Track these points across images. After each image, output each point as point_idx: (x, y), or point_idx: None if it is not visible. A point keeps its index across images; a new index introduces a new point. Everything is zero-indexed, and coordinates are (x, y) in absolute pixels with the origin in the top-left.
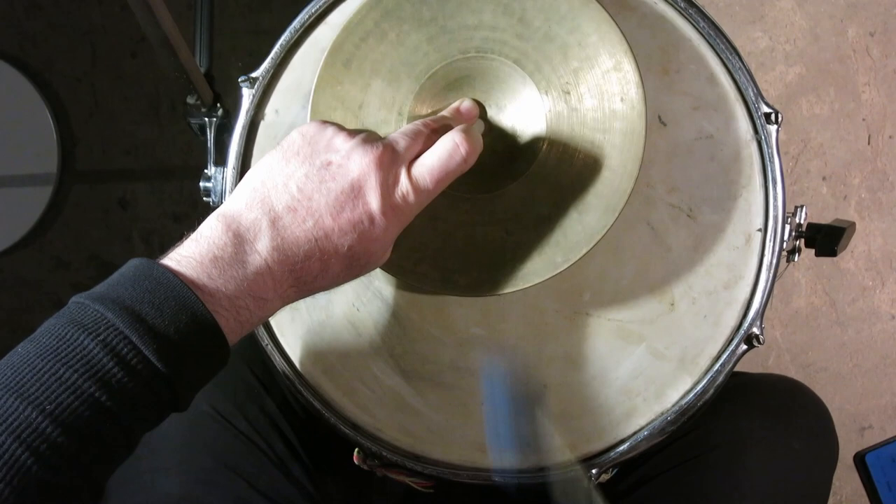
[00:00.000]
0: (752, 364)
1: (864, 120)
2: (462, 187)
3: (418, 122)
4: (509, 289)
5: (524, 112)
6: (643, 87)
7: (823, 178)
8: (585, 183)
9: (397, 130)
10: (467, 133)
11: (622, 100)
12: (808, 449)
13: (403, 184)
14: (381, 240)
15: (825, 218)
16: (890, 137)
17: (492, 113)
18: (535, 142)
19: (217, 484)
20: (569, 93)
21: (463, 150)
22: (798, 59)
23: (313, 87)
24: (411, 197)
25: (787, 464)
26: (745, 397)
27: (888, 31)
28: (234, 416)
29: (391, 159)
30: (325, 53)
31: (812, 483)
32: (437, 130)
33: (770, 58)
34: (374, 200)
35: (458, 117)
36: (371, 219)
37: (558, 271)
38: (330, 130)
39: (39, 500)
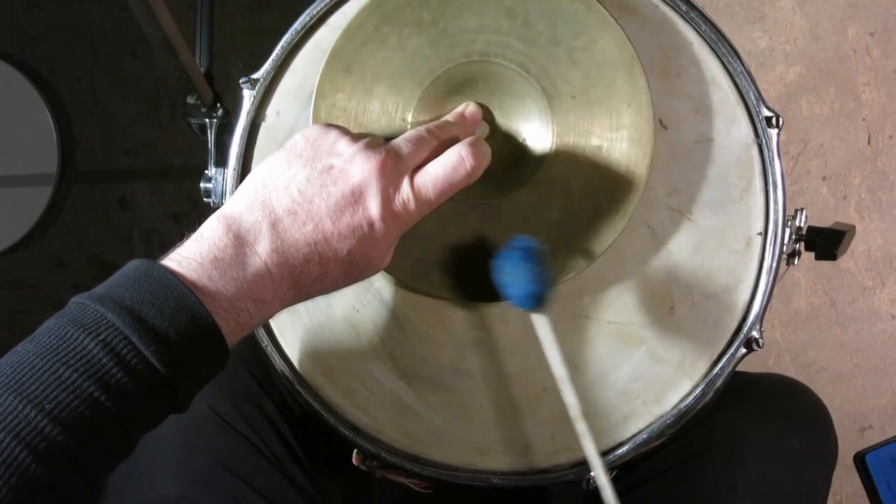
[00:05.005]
0: (752, 364)
1: (864, 120)
2: (470, 193)
3: (422, 127)
4: None
5: (530, 116)
6: (650, 92)
7: (823, 178)
8: (593, 188)
9: (401, 136)
10: (474, 147)
11: (629, 105)
12: (807, 449)
13: (405, 191)
14: (379, 246)
15: (825, 218)
16: (890, 137)
17: (497, 116)
18: (542, 147)
19: (215, 484)
20: (574, 97)
21: (468, 164)
22: (798, 59)
23: (314, 95)
24: (412, 205)
25: (787, 464)
26: (744, 397)
27: (888, 31)
28: (232, 416)
29: (394, 166)
30: (325, 60)
31: (811, 483)
32: (440, 137)
33: (770, 58)
34: (374, 207)
35: (462, 122)
36: (370, 225)
37: (568, 278)
38: (333, 134)
39: (38, 499)
